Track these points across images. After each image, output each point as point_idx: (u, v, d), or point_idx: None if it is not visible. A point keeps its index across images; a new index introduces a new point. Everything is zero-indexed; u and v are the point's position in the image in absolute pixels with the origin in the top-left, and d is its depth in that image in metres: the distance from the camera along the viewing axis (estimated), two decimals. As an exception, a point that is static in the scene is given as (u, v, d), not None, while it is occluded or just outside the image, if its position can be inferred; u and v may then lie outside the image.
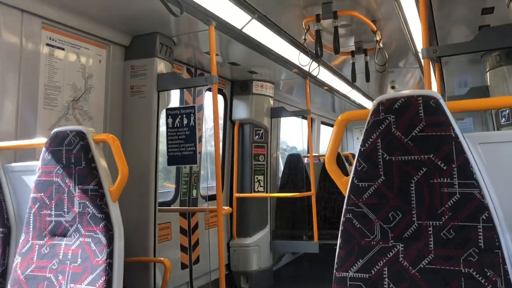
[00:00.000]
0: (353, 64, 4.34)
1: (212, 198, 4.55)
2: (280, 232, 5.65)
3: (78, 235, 1.88)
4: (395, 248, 1.30)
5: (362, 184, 1.36)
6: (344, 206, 1.39)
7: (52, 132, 2.02)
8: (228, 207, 3.93)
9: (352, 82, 5.39)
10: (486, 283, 1.18)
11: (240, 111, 5.22)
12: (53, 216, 1.94)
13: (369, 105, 7.65)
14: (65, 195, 1.92)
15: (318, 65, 4.32)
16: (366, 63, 4.31)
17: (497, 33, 2.38)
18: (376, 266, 1.30)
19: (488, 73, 4.26)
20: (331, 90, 6.08)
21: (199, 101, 4.54)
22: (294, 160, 6.23)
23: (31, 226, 1.98)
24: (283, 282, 5.41)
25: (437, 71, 4.60)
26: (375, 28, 3.61)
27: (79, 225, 1.89)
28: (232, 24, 3.36)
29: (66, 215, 1.91)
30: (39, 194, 1.97)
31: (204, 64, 4.44)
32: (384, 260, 1.30)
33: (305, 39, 3.62)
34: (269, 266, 5.26)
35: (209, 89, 4.47)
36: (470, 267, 1.21)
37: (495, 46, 2.37)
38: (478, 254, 1.21)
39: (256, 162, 5.26)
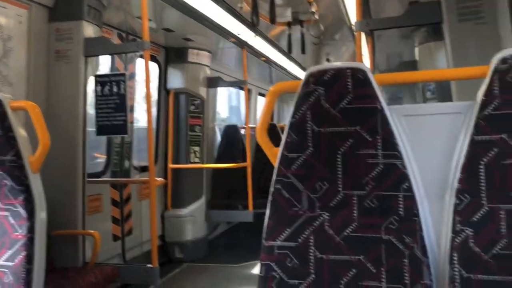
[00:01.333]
0: (289, 35, 4.35)
1: (145, 169, 4.45)
2: (216, 202, 5.67)
3: None
4: (321, 217, 1.33)
5: (291, 155, 1.37)
6: (274, 177, 1.40)
7: None
8: (161, 179, 3.86)
9: (288, 53, 5.41)
10: (404, 249, 1.24)
11: (175, 80, 5.08)
12: None
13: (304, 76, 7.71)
14: None
15: (255, 35, 4.28)
16: (302, 34, 4.33)
17: (425, 10, 2.46)
18: (303, 235, 1.33)
19: (417, 48, 4.44)
20: (269, 61, 6.08)
21: (131, 68, 4.36)
22: (231, 131, 6.22)
23: None
24: (218, 251, 5.47)
25: (369, 45, 4.71)
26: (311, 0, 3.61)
27: None
28: (165, -12, 3.22)
29: None
30: None
31: (137, 30, 4.25)
32: (311, 229, 1.33)
33: (241, 7, 3.56)
34: (203, 236, 5.29)
35: (142, 56, 4.30)
36: (390, 233, 1.26)
37: (422, 22, 2.46)
38: (398, 222, 1.27)
39: (192, 133, 5.19)
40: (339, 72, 1.34)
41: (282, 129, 7.17)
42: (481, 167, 1.22)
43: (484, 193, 1.21)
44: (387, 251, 1.25)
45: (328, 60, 6.98)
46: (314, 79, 1.36)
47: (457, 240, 1.21)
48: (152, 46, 4.62)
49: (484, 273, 1.17)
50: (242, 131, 6.35)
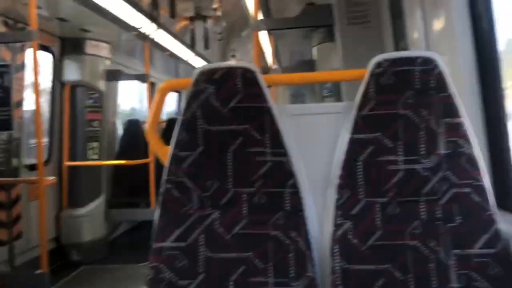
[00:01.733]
0: (192, 30, 4.31)
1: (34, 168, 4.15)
2: (116, 200, 5.45)
3: None
4: (211, 216, 1.33)
5: (182, 154, 1.35)
6: (164, 176, 1.37)
7: None
8: (52, 177, 3.61)
9: (191, 48, 5.36)
10: (290, 243, 1.29)
11: (72, 72, 4.78)
12: None
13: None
14: None
15: (157, 28, 4.18)
16: (206, 30, 4.31)
17: (318, 12, 2.57)
18: (193, 234, 1.32)
19: (314, 48, 4.64)
20: (174, 55, 5.97)
21: (21, 58, 4.03)
22: (133, 126, 6.02)
23: None
24: (118, 252, 5.27)
25: (271, 43, 4.84)
26: (213, -5, 3.60)
27: None
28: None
29: None
30: None
31: (27, 18, 3.93)
32: (201, 228, 1.33)
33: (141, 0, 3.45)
34: (103, 236, 5.06)
35: (32, 46, 3.98)
36: (277, 229, 1.30)
37: (316, 24, 2.57)
38: (284, 217, 1.31)
39: (90, 128, 4.93)
40: (229, 71, 1.35)
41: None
42: (359, 163, 1.30)
43: (362, 188, 1.30)
44: (274, 247, 1.29)
45: (233, 56, 7.05)
46: (205, 77, 1.35)
47: (338, 233, 1.28)
48: (45, 36, 4.30)
49: (361, 263, 1.25)
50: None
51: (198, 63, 7.01)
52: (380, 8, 2.39)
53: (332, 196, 1.33)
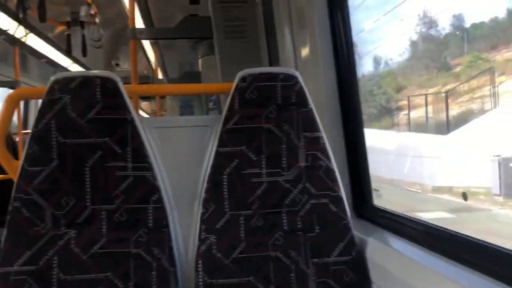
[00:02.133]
0: (68, 35, 4.05)
1: None
2: None
3: None
4: (66, 235, 1.23)
5: (33, 169, 1.24)
6: (13, 194, 1.24)
7: None
8: None
9: (67, 55, 5.03)
10: (152, 261, 1.24)
11: None
12: None
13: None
14: None
15: (28, 32, 3.85)
16: (83, 36, 4.08)
17: (197, 24, 2.57)
18: (46, 256, 1.21)
19: (200, 59, 4.63)
20: (50, 62, 5.55)
21: None
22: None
23: None
24: None
25: (155, 53, 4.75)
26: (89, 1, 3.42)
27: None
28: None
29: None
30: None
31: None
32: (55, 249, 1.22)
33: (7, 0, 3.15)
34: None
35: None
36: (139, 247, 1.25)
37: (194, 35, 2.56)
38: (147, 234, 1.26)
39: None
40: (87, 81, 1.27)
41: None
42: (224, 177, 1.30)
43: (227, 201, 1.29)
44: (135, 265, 1.23)
45: (117, 65, 6.78)
46: (60, 86, 1.26)
47: (202, 248, 1.26)
48: None
49: (224, 277, 1.25)
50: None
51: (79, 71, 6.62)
52: (257, 24, 2.46)
53: (198, 210, 1.31)
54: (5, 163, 1.31)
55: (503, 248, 0.98)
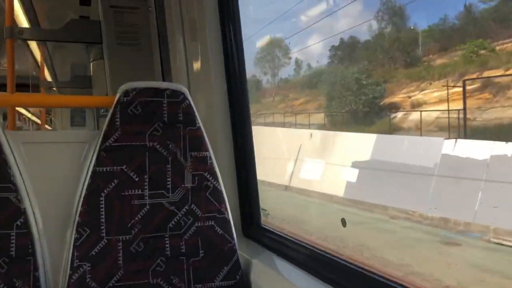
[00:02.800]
0: None
1: None
2: None
3: None
4: None
5: None
6: None
7: None
8: None
9: None
10: None
11: None
12: None
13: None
14: None
15: None
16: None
17: (84, 27, 2.39)
18: None
19: (92, 63, 4.36)
20: None
21: None
22: None
23: None
24: None
25: (42, 53, 4.37)
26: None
27: None
28: None
29: None
30: None
31: None
32: None
33: None
34: None
35: None
36: None
37: (82, 39, 2.38)
38: (8, 264, 1.11)
39: None
40: None
41: None
42: (102, 199, 1.20)
43: (104, 226, 1.19)
44: None
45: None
46: None
47: (74, 277, 1.15)
48: None
49: None
50: None
51: None
52: (150, 32, 2.35)
53: (71, 236, 1.19)
54: None
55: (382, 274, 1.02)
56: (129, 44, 2.39)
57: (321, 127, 12.77)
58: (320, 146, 10.51)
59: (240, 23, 1.64)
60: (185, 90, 1.30)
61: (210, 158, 1.29)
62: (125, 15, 2.36)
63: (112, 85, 2.35)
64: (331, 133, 11.24)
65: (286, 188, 10.05)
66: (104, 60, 2.46)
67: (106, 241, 1.18)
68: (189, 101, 1.29)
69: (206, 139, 1.30)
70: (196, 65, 1.76)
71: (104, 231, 1.18)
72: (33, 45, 4.62)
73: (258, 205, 1.59)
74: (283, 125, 14.25)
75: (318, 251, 1.23)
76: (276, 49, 17.77)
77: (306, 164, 10.08)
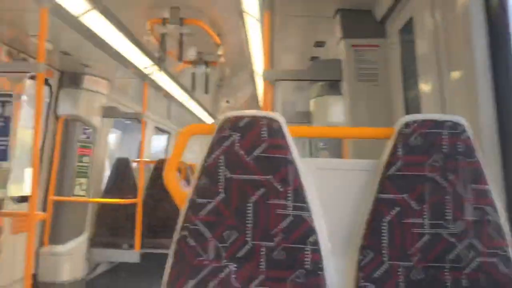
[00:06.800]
0: (193, 74, 4.34)
1: (23, 200, 4.00)
2: (99, 239, 5.26)
3: None
4: (227, 268, 1.27)
5: (200, 201, 1.31)
6: (180, 223, 1.32)
7: None
8: (42, 212, 3.48)
9: (191, 91, 5.37)
10: None
11: (67, 106, 4.73)
12: None
13: (203, 115, 7.75)
14: None
15: (160, 69, 4.20)
16: (207, 75, 4.35)
17: (326, 66, 2.61)
18: (207, 287, 1.26)
19: (312, 100, 4.70)
20: (169, 96, 5.97)
21: (19, 89, 3.97)
22: (122, 164, 5.91)
23: None
24: None
25: (269, 93, 4.90)
26: (219, 42, 3.66)
27: None
28: (68, 10, 3.02)
29: None
30: None
31: (29, 48, 3.92)
32: (216, 281, 1.26)
33: (148, 40, 3.48)
34: (81, 276, 4.84)
35: (33, 77, 3.94)
36: (296, 287, 1.25)
37: (324, 77, 2.60)
38: (304, 276, 1.26)
39: (80, 163, 4.82)
40: (254, 120, 1.33)
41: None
42: (384, 224, 1.27)
43: (386, 250, 1.26)
44: None
45: (228, 102, 7.09)
46: (230, 124, 1.33)
47: None
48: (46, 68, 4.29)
49: None
50: (134, 165, 6.08)
51: (192, 106, 7.03)
52: (390, 67, 2.44)
53: (354, 256, 1.29)
54: (175, 193, 1.40)
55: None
56: (367, 80, 2.53)
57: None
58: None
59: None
60: (464, 122, 1.30)
61: (491, 192, 1.26)
62: (366, 53, 2.52)
63: (353, 119, 2.50)
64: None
65: None
66: (344, 97, 2.64)
67: (388, 265, 1.25)
68: (468, 132, 1.29)
69: (486, 172, 1.28)
70: (454, 95, 1.75)
71: (385, 255, 1.25)
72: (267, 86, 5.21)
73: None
74: None
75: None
76: None
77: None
